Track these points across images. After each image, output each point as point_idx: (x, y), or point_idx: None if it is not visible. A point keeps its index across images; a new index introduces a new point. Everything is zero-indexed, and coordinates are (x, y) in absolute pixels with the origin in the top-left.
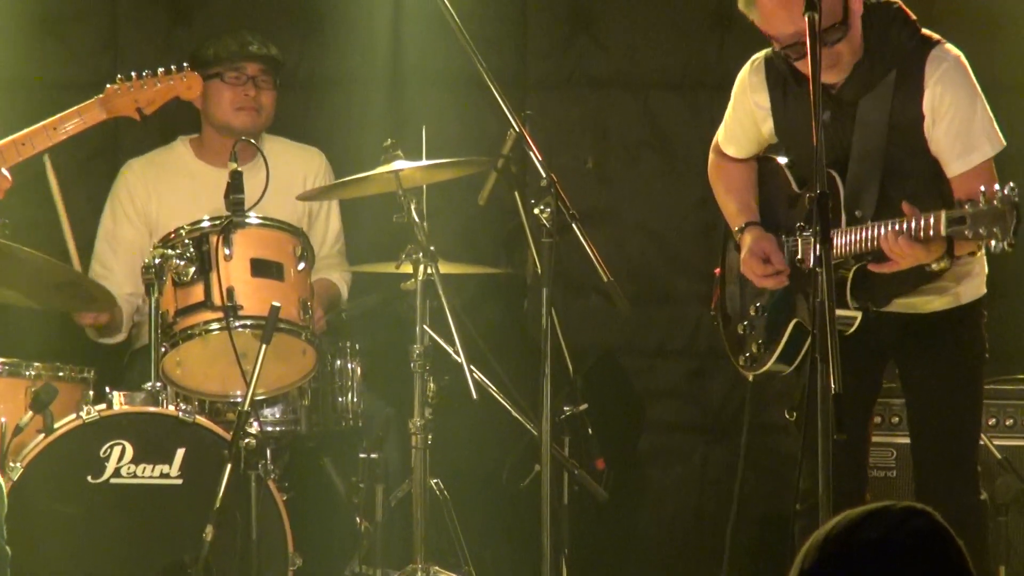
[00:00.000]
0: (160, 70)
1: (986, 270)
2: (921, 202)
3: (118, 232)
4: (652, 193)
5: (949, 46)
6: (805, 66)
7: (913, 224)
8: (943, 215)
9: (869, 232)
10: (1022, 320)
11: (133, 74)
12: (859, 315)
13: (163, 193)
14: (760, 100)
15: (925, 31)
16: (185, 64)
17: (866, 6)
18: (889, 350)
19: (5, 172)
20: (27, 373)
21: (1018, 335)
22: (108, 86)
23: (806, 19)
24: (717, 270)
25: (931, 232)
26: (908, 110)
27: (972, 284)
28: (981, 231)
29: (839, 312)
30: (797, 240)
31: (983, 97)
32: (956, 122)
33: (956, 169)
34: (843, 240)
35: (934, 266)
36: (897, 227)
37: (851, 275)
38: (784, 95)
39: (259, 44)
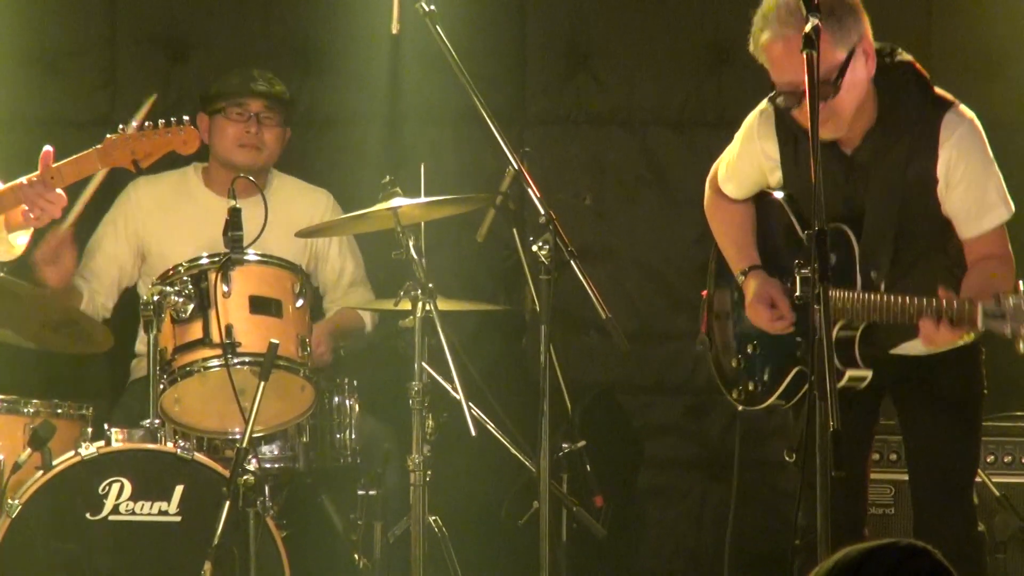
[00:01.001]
0: (161, 122)
1: None
2: (931, 264)
3: (104, 243)
4: (650, 230)
5: (963, 108)
6: (801, 116)
7: (949, 312)
8: (979, 309)
9: (898, 309)
10: (1020, 357)
11: (134, 124)
12: (870, 373)
13: (165, 213)
14: (769, 151)
15: (938, 91)
16: (185, 117)
17: (879, 68)
18: (887, 385)
19: (61, 191)
20: (26, 410)
21: (1017, 372)
22: (108, 136)
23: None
24: (704, 292)
25: (965, 322)
26: (922, 173)
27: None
28: (1022, 330)
29: (851, 372)
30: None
31: (994, 162)
32: (972, 187)
33: (971, 232)
34: (864, 306)
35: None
36: (937, 315)
37: (859, 333)
38: (795, 148)
39: (264, 82)
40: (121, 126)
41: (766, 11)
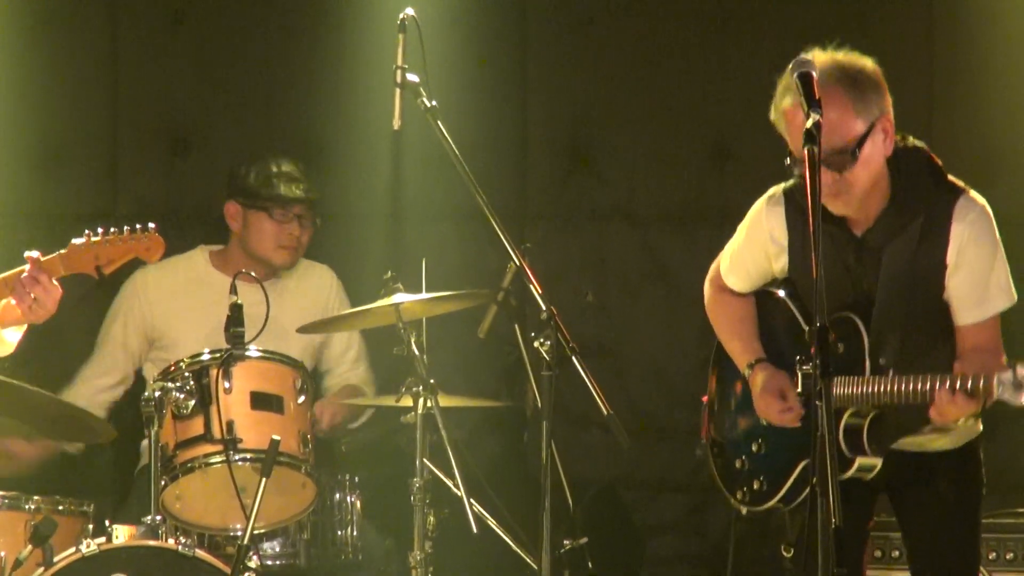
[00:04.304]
0: (126, 228)
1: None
2: (937, 351)
3: (112, 330)
4: (652, 326)
5: (975, 194)
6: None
7: (964, 383)
8: (995, 379)
9: (911, 388)
10: (1021, 454)
11: (100, 230)
12: (879, 462)
13: (174, 299)
14: (777, 235)
15: (951, 178)
16: (151, 225)
17: (895, 151)
18: (883, 484)
19: (56, 283)
20: (27, 506)
21: (1017, 469)
22: (72, 241)
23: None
24: (704, 398)
25: (980, 393)
26: (932, 258)
27: (971, 423)
28: None
29: (861, 460)
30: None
31: (1002, 249)
32: (976, 273)
33: (968, 319)
34: (875, 390)
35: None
36: (952, 386)
37: (867, 422)
38: (804, 233)
39: (306, 187)
40: (88, 232)
41: (787, 80)
